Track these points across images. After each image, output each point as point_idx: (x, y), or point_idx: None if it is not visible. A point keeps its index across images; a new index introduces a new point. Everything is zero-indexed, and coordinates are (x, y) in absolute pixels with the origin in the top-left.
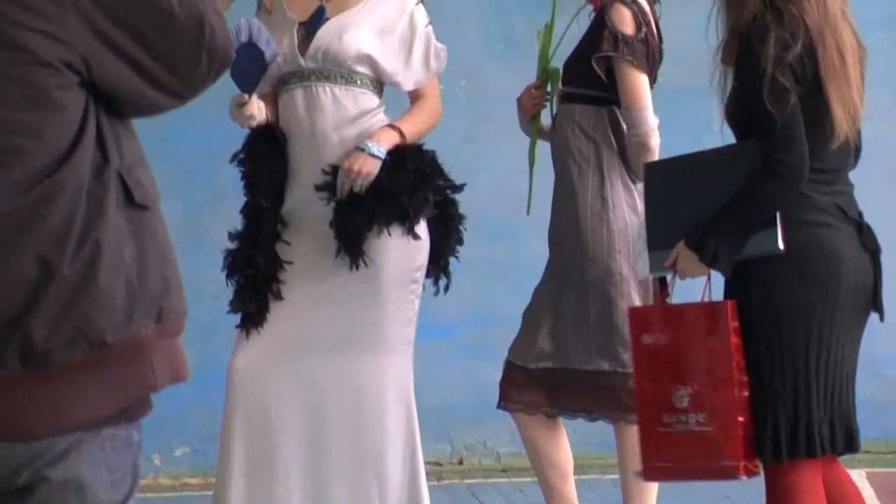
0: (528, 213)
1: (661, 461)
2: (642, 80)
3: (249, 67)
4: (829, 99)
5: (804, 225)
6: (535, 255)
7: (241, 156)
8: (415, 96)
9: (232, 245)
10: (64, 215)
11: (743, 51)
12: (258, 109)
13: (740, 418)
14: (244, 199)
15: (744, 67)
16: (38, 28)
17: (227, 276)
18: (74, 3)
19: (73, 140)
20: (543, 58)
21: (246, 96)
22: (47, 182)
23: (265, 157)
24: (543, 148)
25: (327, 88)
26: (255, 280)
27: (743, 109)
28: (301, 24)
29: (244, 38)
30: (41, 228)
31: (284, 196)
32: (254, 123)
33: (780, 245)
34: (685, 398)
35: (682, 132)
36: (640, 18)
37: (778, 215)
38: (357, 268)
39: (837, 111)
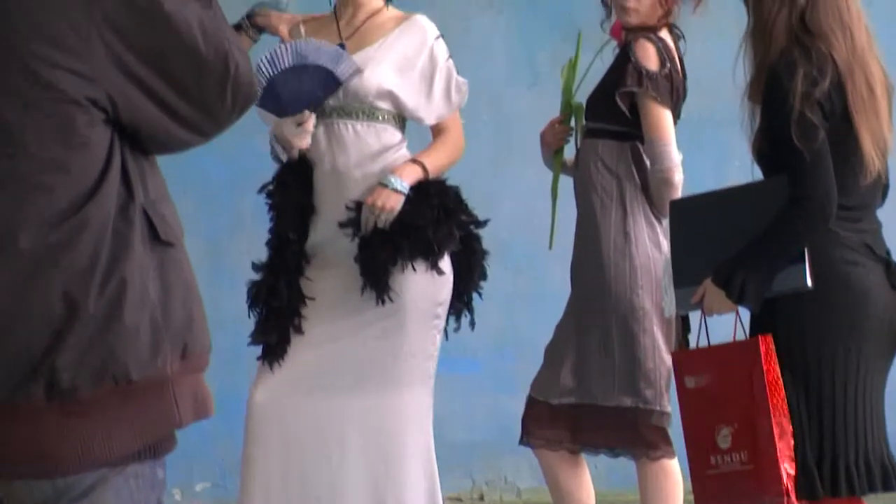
0: (550, 247)
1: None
2: (666, 115)
3: (310, 88)
4: (859, 133)
5: (832, 262)
6: (559, 287)
7: (270, 187)
8: (437, 130)
9: (256, 276)
10: (90, 252)
11: (771, 87)
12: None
13: (781, 454)
14: (265, 228)
15: (772, 104)
16: (66, 66)
17: (250, 307)
18: (102, 40)
19: (98, 176)
20: (567, 92)
21: (306, 113)
22: (73, 218)
23: (295, 189)
24: (566, 182)
25: (349, 124)
26: (278, 312)
27: (771, 146)
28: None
29: (290, 60)
30: (67, 265)
31: (308, 231)
32: (306, 145)
33: (809, 282)
34: (728, 437)
35: (704, 163)
36: (664, 54)
37: (806, 252)
38: (383, 303)
39: (867, 145)
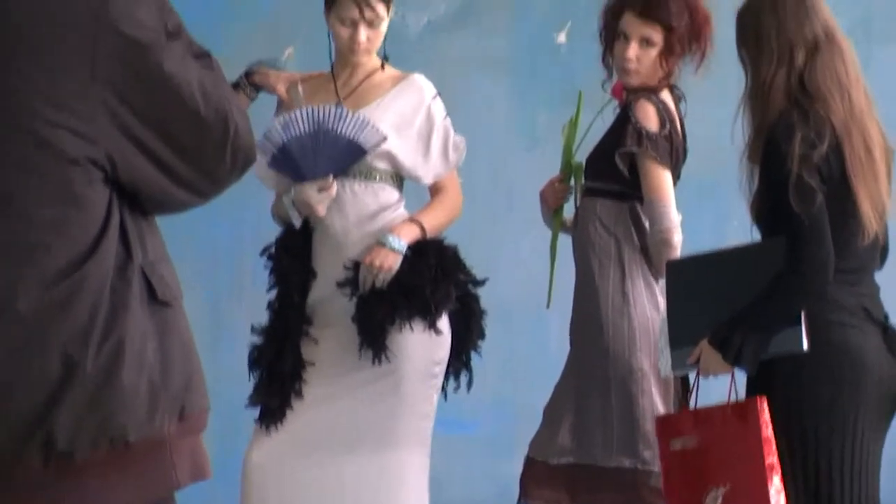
0: (548, 306)
1: None
2: (665, 176)
3: (331, 154)
4: (857, 195)
5: (829, 325)
6: (557, 348)
7: (272, 250)
8: (434, 189)
9: (256, 339)
10: (87, 311)
11: (769, 150)
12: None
13: None
14: (265, 290)
15: (770, 167)
16: (68, 126)
17: (250, 370)
18: (103, 100)
19: (97, 236)
20: (567, 151)
21: (329, 178)
22: (71, 278)
23: (297, 253)
24: (565, 241)
25: (346, 184)
26: (279, 376)
27: (769, 208)
28: None
29: (307, 127)
30: (65, 325)
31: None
32: (323, 212)
33: (805, 345)
34: (718, 499)
35: (703, 225)
36: (664, 115)
37: (803, 314)
38: (380, 363)
39: (866, 207)
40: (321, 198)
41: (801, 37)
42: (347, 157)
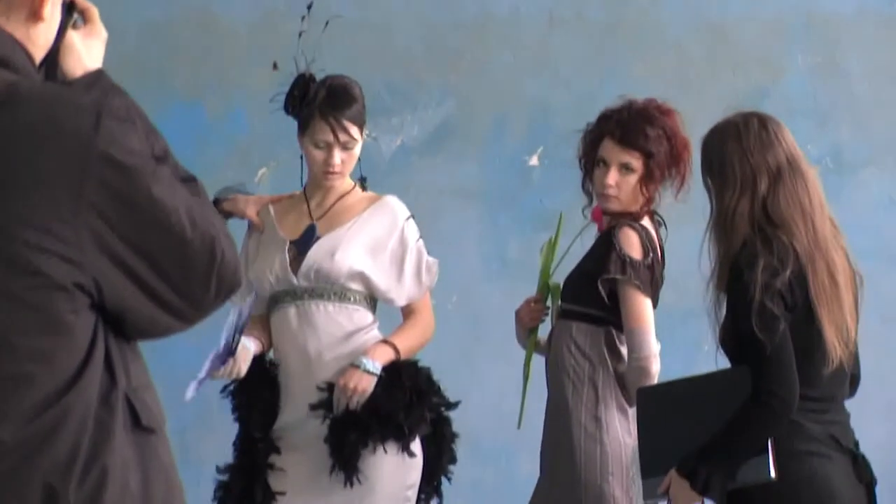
0: (518, 427)
1: None
2: (647, 304)
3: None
4: (821, 322)
5: (797, 454)
6: (526, 476)
7: (231, 388)
8: (407, 311)
9: (223, 476)
10: (71, 442)
11: (732, 278)
12: (245, 360)
13: None
14: (231, 420)
15: (734, 294)
16: (54, 251)
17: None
18: (91, 225)
19: (81, 363)
20: (545, 272)
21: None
22: (55, 407)
23: (256, 387)
24: (539, 362)
25: (321, 305)
26: None
27: (734, 336)
28: (292, 242)
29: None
30: (48, 456)
31: (277, 413)
32: (244, 371)
33: (773, 474)
34: None
35: (674, 355)
36: (647, 243)
37: (770, 443)
38: (352, 485)
39: (830, 334)
40: (230, 370)
41: (765, 164)
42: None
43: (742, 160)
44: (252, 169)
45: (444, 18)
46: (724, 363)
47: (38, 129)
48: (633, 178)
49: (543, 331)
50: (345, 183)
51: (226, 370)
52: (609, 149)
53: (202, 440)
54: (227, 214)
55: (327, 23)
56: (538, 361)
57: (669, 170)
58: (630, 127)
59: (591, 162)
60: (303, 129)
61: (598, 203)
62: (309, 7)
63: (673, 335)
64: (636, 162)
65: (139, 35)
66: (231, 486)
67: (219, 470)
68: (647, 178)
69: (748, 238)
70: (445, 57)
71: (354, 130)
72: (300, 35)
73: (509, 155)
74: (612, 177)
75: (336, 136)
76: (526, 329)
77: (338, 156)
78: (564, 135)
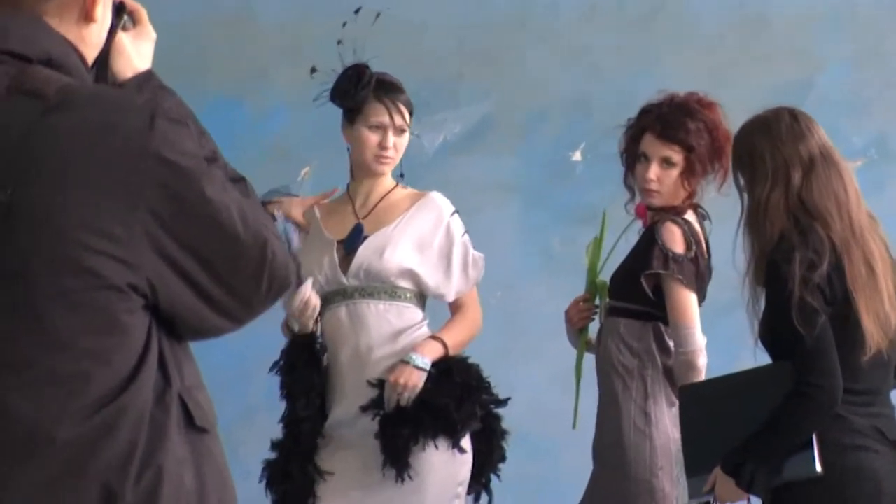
0: (574, 427)
1: None
2: (691, 298)
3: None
4: (859, 311)
5: (842, 448)
6: (574, 471)
7: (281, 364)
8: (455, 306)
9: (271, 455)
10: (127, 440)
11: (770, 273)
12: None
13: None
14: (275, 417)
15: (772, 289)
16: (109, 252)
17: (266, 487)
18: (145, 227)
19: (136, 363)
20: (592, 271)
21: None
22: (111, 407)
23: (303, 367)
24: (590, 362)
25: (371, 304)
26: (292, 493)
27: (773, 331)
28: (340, 242)
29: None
30: (105, 455)
31: (326, 409)
32: (310, 316)
33: (818, 468)
34: None
35: (717, 348)
36: (690, 237)
37: (814, 438)
38: (403, 481)
39: (867, 323)
40: (304, 308)
41: (797, 156)
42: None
43: (774, 152)
44: (295, 168)
45: (482, 14)
46: (762, 358)
47: (92, 130)
48: (674, 173)
49: (594, 330)
50: (387, 179)
51: (302, 298)
52: (650, 143)
53: (247, 438)
54: (273, 218)
55: (378, 14)
56: (590, 360)
57: (711, 163)
58: (670, 121)
59: (632, 157)
60: (354, 115)
61: (640, 198)
62: (357, 11)
63: (715, 329)
64: (677, 156)
65: (178, 34)
66: (275, 464)
67: (272, 446)
68: (689, 172)
69: (785, 231)
70: (484, 53)
71: (407, 116)
72: (344, 25)
73: (550, 150)
74: (654, 171)
75: (392, 118)
76: (576, 329)
77: (391, 139)
78: (605, 129)
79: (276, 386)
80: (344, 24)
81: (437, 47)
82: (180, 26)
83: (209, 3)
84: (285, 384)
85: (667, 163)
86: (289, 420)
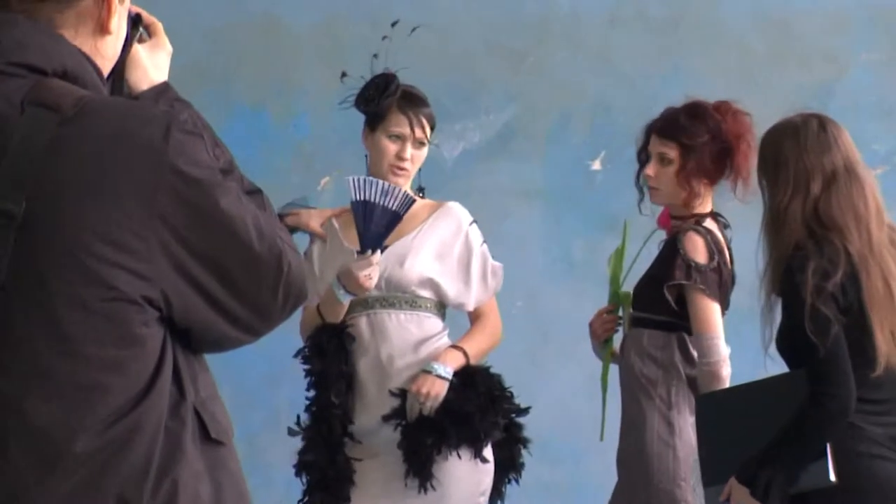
0: (601, 439)
1: None
2: (714, 308)
3: (372, 225)
4: (872, 326)
5: (857, 457)
6: (596, 478)
7: (306, 352)
8: (475, 315)
9: (299, 443)
10: (143, 453)
11: (785, 281)
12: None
13: None
14: (303, 412)
15: (787, 297)
16: (124, 264)
17: (297, 474)
18: (160, 239)
19: (152, 375)
20: (614, 282)
21: (369, 252)
22: (127, 419)
23: (332, 353)
24: (615, 373)
25: (392, 314)
26: (324, 481)
27: (788, 339)
28: (359, 252)
29: (357, 195)
30: (122, 467)
31: (351, 413)
32: (372, 285)
33: (832, 478)
34: None
35: (743, 355)
36: (712, 247)
37: (829, 447)
38: (426, 491)
39: (879, 339)
40: (368, 271)
41: (820, 167)
42: (388, 232)
43: (797, 160)
44: (315, 177)
45: (504, 20)
46: (771, 366)
47: (109, 141)
48: (670, 170)
49: (618, 341)
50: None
51: (366, 267)
52: (652, 141)
53: (271, 445)
54: (291, 229)
55: (414, 28)
56: (615, 371)
57: (715, 166)
58: (668, 118)
59: (644, 158)
60: (376, 122)
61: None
62: (394, 24)
63: (741, 335)
64: (672, 152)
65: (203, 41)
66: (306, 452)
67: (289, 431)
68: (685, 171)
69: (800, 240)
70: (507, 58)
71: (428, 129)
72: (384, 38)
73: (573, 156)
74: (651, 168)
75: (412, 129)
76: (600, 340)
77: (409, 150)
78: (628, 135)
79: (302, 394)
80: (384, 38)
81: (459, 51)
82: (204, 33)
83: (233, 9)
84: (314, 370)
85: (663, 159)
86: (319, 407)
